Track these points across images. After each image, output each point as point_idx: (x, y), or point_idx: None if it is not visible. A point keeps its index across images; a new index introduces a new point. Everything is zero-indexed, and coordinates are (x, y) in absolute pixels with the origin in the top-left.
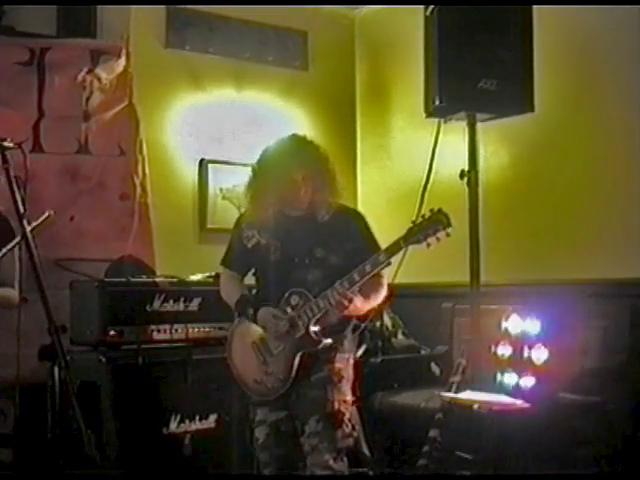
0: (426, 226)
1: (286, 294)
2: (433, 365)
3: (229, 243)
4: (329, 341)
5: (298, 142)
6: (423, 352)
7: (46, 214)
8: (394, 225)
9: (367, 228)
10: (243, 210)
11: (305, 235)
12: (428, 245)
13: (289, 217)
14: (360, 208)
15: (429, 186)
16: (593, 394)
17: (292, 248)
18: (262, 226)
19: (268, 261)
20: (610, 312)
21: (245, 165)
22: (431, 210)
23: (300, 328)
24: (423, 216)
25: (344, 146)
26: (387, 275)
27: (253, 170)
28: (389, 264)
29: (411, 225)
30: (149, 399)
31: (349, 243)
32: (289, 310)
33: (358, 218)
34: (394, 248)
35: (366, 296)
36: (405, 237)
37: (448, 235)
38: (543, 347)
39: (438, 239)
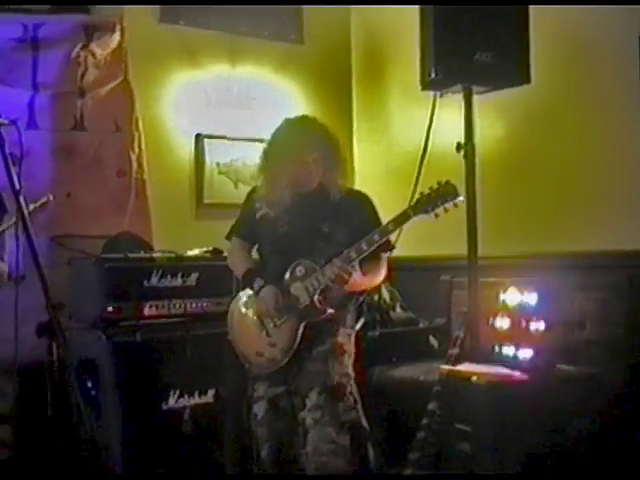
0: (435, 197)
1: (293, 265)
2: (431, 338)
3: (240, 214)
4: (333, 311)
5: (309, 124)
6: (421, 325)
7: (44, 198)
8: (391, 199)
9: (374, 209)
10: (256, 184)
11: (313, 210)
12: (436, 216)
13: (300, 195)
14: (357, 183)
15: (426, 160)
16: (590, 365)
17: (300, 221)
18: (272, 202)
19: (275, 233)
20: (608, 284)
21: (241, 140)
22: (438, 182)
23: (305, 298)
24: (431, 187)
25: (340, 120)
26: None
27: (265, 152)
28: (393, 248)
29: (419, 196)
30: (148, 375)
31: (355, 221)
32: (294, 281)
33: (366, 200)
34: (402, 218)
35: (365, 273)
36: (414, 207)
37: (456, 206)
38: (541, 319)
39: (446, 210)
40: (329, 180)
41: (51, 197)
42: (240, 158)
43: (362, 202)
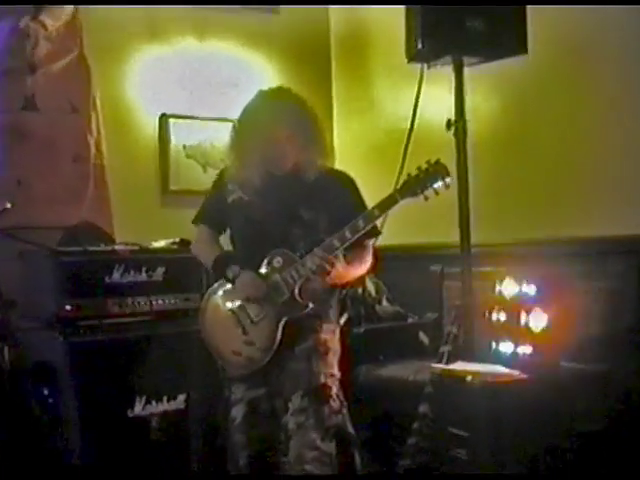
0: (424, 178)
1: (269, 255)
2: (421, 334)
3: (207, 198)
4: (314, 305)
5: (284, 97)
6: (410, 320)
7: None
8: (375, 181)
9: (357, 191)
10: (226, 165)
11: (290, 194)
12: (426, 198)
13: (274, 176)
14: (337, 164)
15: (413, 139)
16: (597, 363)
17: (276, 206)
18: (245, 183)
19: (249, 219)
20: (616, 272)
21: (210, 119)
22: (427, 162)
23: (284, 292)
24: (419, 168)
25: (318, 96)
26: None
27: (235, 128)
28: (379, 234)
29: (407, 177)
30: (110, 380)
31: (336, 205)
32: (272, 273)
33: (347, 181)
34: (388, 202)
35: (349, 263)
36: (401, 190)
37: (447, 187)
38: (541, 312)
39: (436, 192)
40: (306, 159)
41: (8, 205)
42: (209, 139)
43: (344, 184)
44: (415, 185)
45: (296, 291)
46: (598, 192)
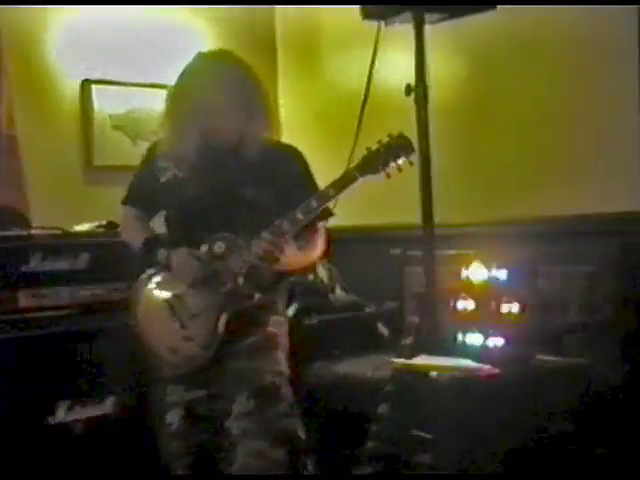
0: (385, 153)
1: (209, 240)
2: (380, 325)
3: (135, 177)
4: (261, 295)
5: (226, 60)
6: (368, 310)
7: None
8: (325, 156)
9: (308, 168)
10: (158, 138)
11: (233, 171)
12: (388, 176)
13: (214, 150)
14: (282, 137)
15: (368, 106)
16: (576, 355)
17: (216, 185)
18: (180, 158)
19: (186, 199)
20: (595, 254)
21: (140, 85)
22: (389, 134)
23: (227, 281)
24: (380, 141)
25: (259, 54)
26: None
27: (170, 93)
28: (331, 215)
29: (366, 152)
30: (27, 383)
31: (285, 184)
32: (213, 260)
33: (297, 156)
34: (345, 180)
35: (300, 248)
36: (360, 166)
37: (411, 163)
38: (513, 299)
39: (399, 168)
40: (251, 131)
41: None
42: (139, 108)
43: (294, 159)
44: (376, 161)
45: (240, 280)
46: (575, 167)
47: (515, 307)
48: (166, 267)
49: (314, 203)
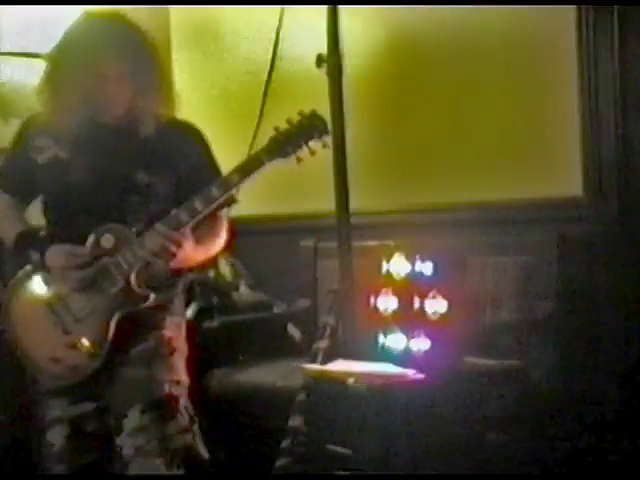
0: (296, 134)
1: (96, 232)
2: (291, 327)
3: (6, 158)
4: (155, 295)
5: (114, 22)
6: (276, 310)
7: None
8: (225, 136)
9: (209, 150)
10: (34, 113)
11: (123, 151)
12: (299, 160)
13: (101, 126)
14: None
15: (274, 80)
16: (510, 357)
17: (104, 167)
18: (62, 135)
19: (68, 184)
20: (530, 244)
21: (11, 54)
22: (300, 113)
23: (117, 279)
24: (290, 121)
25: (151, 22)
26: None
27: (49, 59)
28: (234, 203)
29: (274, 133)
30: None
31: (184, 167)
32: (100, 255)
33: (197, 135)
34: (251, 164)
35: (199, 241)
36: (268, 149)
37: (325, 146)
38: (440, 296)
39: (312, 151)
40: (144, 106)
41: None
42: (10, 81)
43: (194, 139)
44: (285, 144)
45: (132, 278)
46: (508, 151)
47: (442, 304)
48: (44, 265)
49: (215, 191)
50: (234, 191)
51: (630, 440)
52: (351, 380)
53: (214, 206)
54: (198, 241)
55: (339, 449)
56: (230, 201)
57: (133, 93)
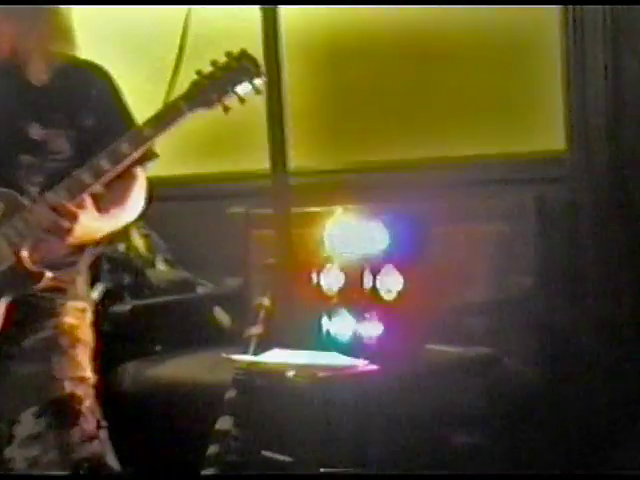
0: (222, 77)
1: None
2: (218, 310)
3: None
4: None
5: None
6: (201, 290)
7: None
8: (133, 81)
9: (118, 95)
10: None
11: (9, 101)
12: (226, 109)
13: None
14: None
15: (193, 17)
16: (480, 343)
17: None
18: None
19: None
20: (504, 209)
21: None
22: (227, 53)
23: (7, 256)
24: (215, 63)
25: None
26: None
27: None
28: (153, 157)
29: (197, 77)
30: None
31: (88, 116)
32: None
33: (103, 77)
34: (169, 114)
35: (104, 209)
36: (188, 96)
37: (258, 92)
38: (396, 272)
39: (242, 99)
40: (30, 47)
41: None
42: None
43: (99, 83)
44: (209, 89)
45: (25, 254)
46: (478, 95)
47: (398, 281)
48: None
49: (126, 146)
50: (149, 146)
51: (622, 441)
52: (290, 373)
53: (125, 164)
54: (105, 208)
55: (277, 455)
56: (147, 158)
57: (16, 31)
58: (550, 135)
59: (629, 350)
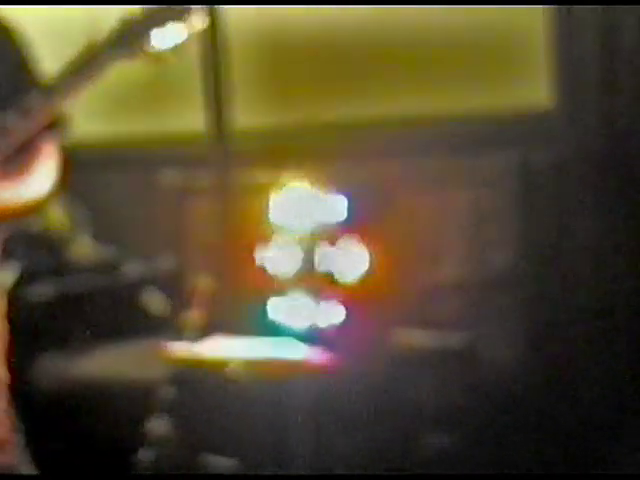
0: (146, 20)
1: None
2: (149, 294)
3: None
4: None
5: None
6: (130, 271)
7: None
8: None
9: (24, 45)
10: None
11: None
12: (155, 59)
13: None
14: None
15: None
16: (455, 330)
17: None
18: None
19: None
20: (483, 175)
21: None
22: None
23: None
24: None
25: None
26: None
27: None
28: (66, 120)
29: (117, 23)
30: None
31: None
32: None
33: (8, 30)
34: (85, 66)
35: (15, 178)
36: (107, 42)
37: (191, 35)
38: (358, 246)
39: (171, 47)
40: None
41: None
42: None
43: (2, 33)
44: (131, 33)
45: None
46: (453, 43)
47: (360, 259)
48: None
49: (34, 102)
50: (62, 104)
51: (614, 437)
52: (232, 366)
53: (34, 125)
54: (11, 178)
55: (219, 458)
56: (58, 123)
57: None
58: (534, 89)
59: (625, 337)
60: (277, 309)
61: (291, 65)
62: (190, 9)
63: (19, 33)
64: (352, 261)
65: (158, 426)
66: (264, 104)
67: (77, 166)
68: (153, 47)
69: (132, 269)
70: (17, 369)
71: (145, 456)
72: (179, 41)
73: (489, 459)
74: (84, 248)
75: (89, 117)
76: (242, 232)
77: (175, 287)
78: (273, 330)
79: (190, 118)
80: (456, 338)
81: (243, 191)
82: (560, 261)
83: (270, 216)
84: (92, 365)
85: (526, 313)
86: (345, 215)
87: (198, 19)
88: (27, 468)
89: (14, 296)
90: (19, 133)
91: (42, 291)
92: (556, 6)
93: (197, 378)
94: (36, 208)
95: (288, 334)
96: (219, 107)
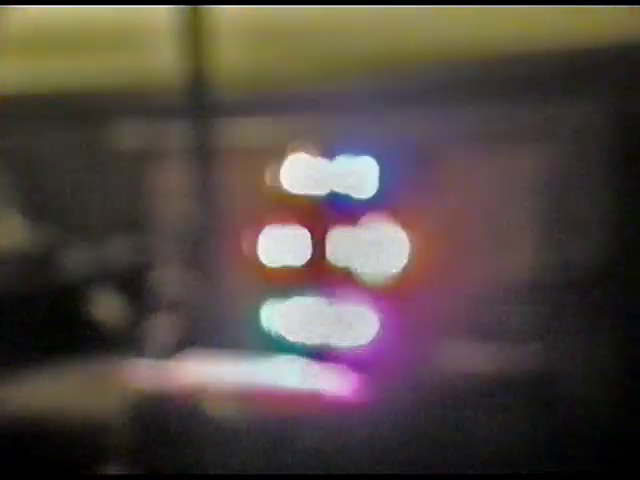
0: None
1: None
2: (102, 296)
3: None
4: None
5: None
6: (76, 261)
7: None
8: None
9: None
10: None
11: None
12: None
13: None
14: None
15: None
16: (523, 349)
17: None
18: None
19: None
20: (561, 127)
21: None
22: None
23: None
24: None
25: None
26: None
27: None
28: None
29: None
30: None
31: None
32: None
33: None
34: None
35: None
36: None
37: None
38: (392, 230)
39: None
40: None
41: None
42: None
43: None
44: None
45: None
46: None
47: (394, 246)
48: None
49: None
50: None
51: None
52: (215, 396)
53: None
54: None
55: None
56: None
57: None
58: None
59: None
60: (275, 316)
61: None
62: None
63: None
64: (381, 251)
65: (115, 470)
66: (255, 41)
67: (8, 123)
68: None
69: (75, 259)
70: None
71: None
72: None
73: None
74: (9, 231)
75: (25, 57)
76: (227, 210)
77: (135, 284)
78: (270, 345)
79: (157, 54)
80: (526, 358)
81: (229, 155)
82: None
83: (266, 188)
84: (23, 395)
85: (621, 324)
86: (372, 186)
87: None
88: None
89: None
90: None
91: None
92: None
93: (165, 412)
94: None
95: (290, 351)
96: (196, 39)
